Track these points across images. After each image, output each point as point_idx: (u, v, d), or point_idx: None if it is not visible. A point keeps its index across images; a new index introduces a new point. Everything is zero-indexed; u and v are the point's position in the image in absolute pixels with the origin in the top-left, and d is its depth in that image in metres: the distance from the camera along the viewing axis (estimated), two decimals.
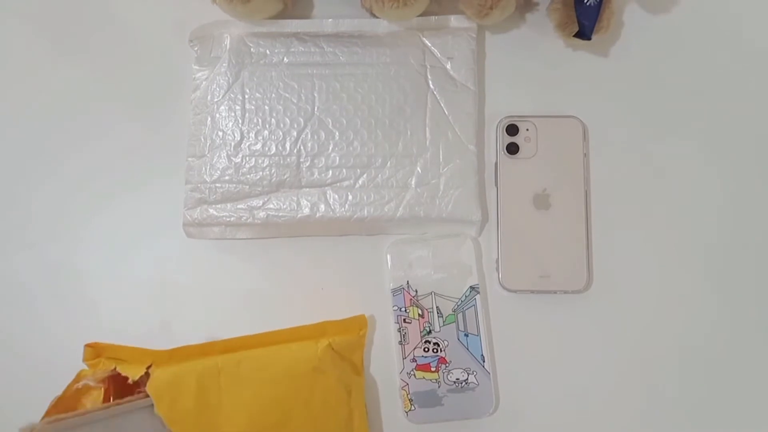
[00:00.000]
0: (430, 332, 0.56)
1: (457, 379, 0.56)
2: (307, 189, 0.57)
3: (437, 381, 0.56)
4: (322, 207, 0.56)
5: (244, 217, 0.56)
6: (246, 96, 0.57)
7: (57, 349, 0.57)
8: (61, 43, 0.62)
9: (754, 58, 0.60)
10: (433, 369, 0.56)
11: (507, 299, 0.57)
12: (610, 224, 0.58)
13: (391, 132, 0.57)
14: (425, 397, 0.56)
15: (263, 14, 0.58)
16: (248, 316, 0.56)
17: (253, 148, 0.57)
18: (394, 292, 0.57)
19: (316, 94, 0.57)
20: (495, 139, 0.59)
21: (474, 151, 0.57)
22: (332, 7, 0.61)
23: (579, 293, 0.57)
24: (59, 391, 0.49)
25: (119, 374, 0.50)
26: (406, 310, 0.56)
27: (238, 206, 0.57)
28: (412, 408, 0.56)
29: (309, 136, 0.57)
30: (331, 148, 0.57)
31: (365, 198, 0.56)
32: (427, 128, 0.57)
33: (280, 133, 0.57)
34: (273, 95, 0.57)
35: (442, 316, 0.56)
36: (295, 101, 0.57)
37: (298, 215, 0.56)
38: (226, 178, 0.57)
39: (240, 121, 0.57)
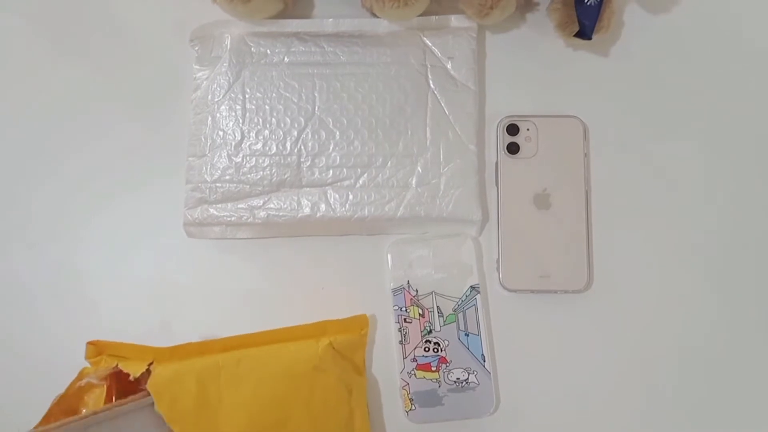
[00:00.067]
0: (430, 332, 0.56)
1: (457, 378, 0.56)
2: (308, 188, 0.57)
3: (438, 381, 0.56)
4: (323, 207, 0.56)
5: (245, 217, 0.56)
6: (247, 96, 0.57)
7: (57, 349, 0.57)
8: (61, 43, 0.62)
9: (754, 58, 0.60)
10: (433, 369, 0.56)
11: (507, 299, 0.57)
12: (610, 224, 0.58)
13: (392, 132, 0.57)
14: (426, 397, 0.56)
15: (264, 14, 0.58)
16: (249, 316, 0.56)
17: (254, 147, 0.57)
18: (395, 291, 0.57)
19: (316, 94, 0.57)
20: (495, 139, 0.59)
21: (474, 150, 0.57)
22: (333, 7, 0.61)
23: (579, 293, 0.57)
24: (60, 391, 0.49)
25: (121, 371, 0.50)
26: (406, 310, 0.56)
27: (239, 206, 0.57)
28: (413, 408, 0.56)
29: (310, 135, 0.57)
30: (331, 148, 0.57)
31: (366, 198, 0.56)
32: (427, 128, 0.57)
33: (281, 133, 0.57)
34: (274, 95, 0.57)
35: (442, 316, 0.56)
36: (295, 101, 0.57)
37: (299, 215, 0.56)
38: (227, 177, 0.57)
39: (241, 121, 0.57)
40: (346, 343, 0.54)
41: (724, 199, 0.59)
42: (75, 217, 0.60)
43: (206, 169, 0.57)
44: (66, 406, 0.49)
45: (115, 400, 0.50)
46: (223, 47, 0.58)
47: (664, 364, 0.57)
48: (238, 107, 0.57)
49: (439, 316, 0.56)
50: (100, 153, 0.60)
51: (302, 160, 0.57)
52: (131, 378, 0.50)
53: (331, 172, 0.57)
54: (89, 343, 0.52)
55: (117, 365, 0.51)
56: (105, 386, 0.50)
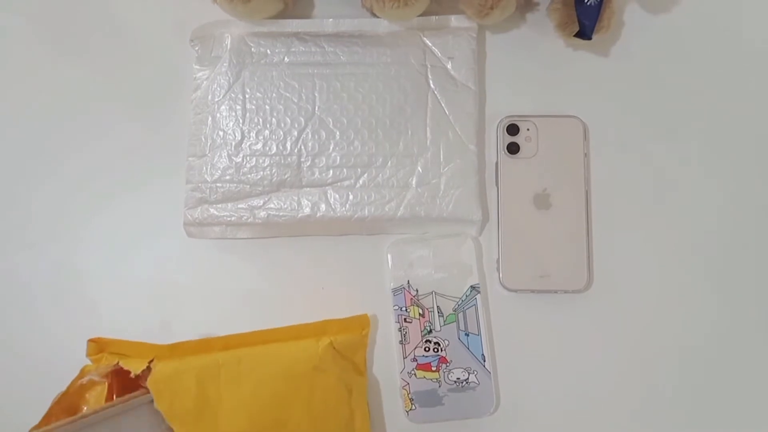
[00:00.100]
0: (430, 332, 0.56)
1: (457, 378, 0.56)
2: (308, 188, 0.57)
3: (438, 380, 0.56)
4: (323, 206, 0.56)
5: (245, 217, 0.56)
6: (247, 96, 0.57)
7: (57, 349, 0.57)
8: (61, 43, 0.62)
9: (754, 58, 0.60)
10: (433, 368, 0.56)
11: (507, 299, 0.57)
12: (610, 224, 0.58)
13: (392, 131, 0.57)
14: (426, 397, 0.56)
15: (264, 14, 0.58)
16: (249, 316, 0.56)
17: (254, 147, 0.57)
18: (395, 291, 0.57)
19: (316, 94, 0.57)
20: (495, 139, 0.59)
21: (474, 150, 0.57)
22: (333, 7, 0.61)
23: (579, 293, 0.57)
24: (60, 391, 0.49)
25: (122, 369, 0.50)
26: (406, 310, 0.56)
27: (239, 206, 0.57)
28: (413, 407, 0.56)
29: (310, 135, 0.57)
30: (331, 148, 0.57)
31: (366, 197, 0.56)
32: (427, 128, 0.57)
33: (281, 133, 0.57)
34: (274, 95, 0.57)
35: (442, 316, 0.56)
36: (295, 101, 0.57)
37: (299, 215, 0.56)
38: (227, 177, 0.57)
39: (241, 121, 0.57)
40: (346, 343, 0.54)
41: (724, 199, 0.59)
42: (75, 217, 0.60)
43: (206, 169, 0.57)
44: (67, 404, 0.49)
45: (116, 397, 0.50)
46: (224, 47, 0.58)
47: (664, 364, 0.57)
48: (238, 107, 0.57)
49: (439, 316, 0.56)
50: (100, 153, 0.60)
51: (302, 160, 0.57)
52: (132, 375, 0.50)
53: (331, 172, 0.57)
54: (90, 341, 0.52)
55: (118, 363, 0.51)
56: (106, 383, 0.50)
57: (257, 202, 0.57)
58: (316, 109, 0.57)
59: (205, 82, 0.58)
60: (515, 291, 0.57)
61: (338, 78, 0.57)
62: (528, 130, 0.58)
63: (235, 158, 0.57)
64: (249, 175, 0.57)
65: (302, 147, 0.57)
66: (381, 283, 0.57)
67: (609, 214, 0.58)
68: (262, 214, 0.56)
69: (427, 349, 0.56)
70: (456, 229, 0.58)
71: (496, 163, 0.58)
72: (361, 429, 0.54)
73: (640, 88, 0.60)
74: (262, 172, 0.57)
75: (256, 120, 0.57)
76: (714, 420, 0.57)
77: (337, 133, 0.57)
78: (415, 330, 0.56)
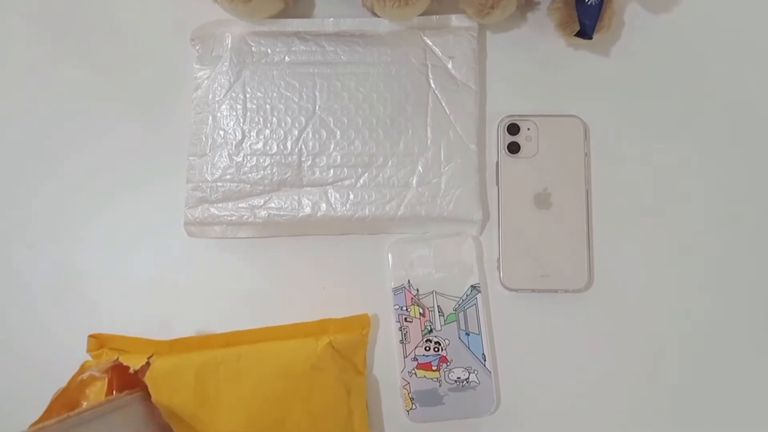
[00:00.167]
0: (431, 331, 0.56)
1: (458, 378, 0.56)
2: (309, 188, 0.57)
3: (438, 380, 0.56)
4: (324, 206, 0.56)
5: (246, 216, 0.56)
6: (247, 95, 0.57)
7: (57, 349, 0.57)
8: (61, 43, 0.62)
9: (755, 58, 0.60)
10: (434, 368, 0.56)
11: (508, 298, 0.57)
12: (610, 223, 0.58)
13: (393, 131, 0.57)
14: (426, 396, 0.56)
15: (264, 13, 0.58)
16: (249, 316, 0.56)
17: (255, 147, 0.57)
18: (395, 291, 0.57)
19: (317, 93, 0.57)
20: (496, 139, 0.59)
21: (475, 150, 0.57)
22: (333, 7, 0.61)
23: (580, 292, 0.57)
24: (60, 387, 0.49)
25: (122, 365, 0.50)
26: (407, 309, 0.56)
27: (240, 205, 0.57)
28: (413, 407, 0.56)
29: (310, 135, 0.57)
30: (332, 147, 0.57)
31: (366, 197, 0.56)
32: (428, 127, 0.57)
33: (282, 132, 0.57)
34: (274, 94, 0.57)
35: (443, 315, 0.56)
36: (296, 100, 0.57)
37: (300, 214, 0.56)
38: (228, 177, 0.57)
39: (241, 120, 0.57)
40: (346, 343, 0.54)
41: (724, 199, 0.59)
42: (75, 217, 0.60)
43: (207, 168, 0.57)
44: (67, 399, 0.49)
45: (116, 393, 0.50)
46: (224, 47, 0.58)
47: (664, 363, 0.57)
48: (238, 106, 0.57)
49: (439, 316, 0.56)
50: (100, 153, 0.60)
51: (303, 159, 0.57)
52: (131, 371, 0.50)
53: (331, 171, 0.57)
54: (91, 336, 0.52)
55: (117, 358, 0.51)
56: (106, 379, 0.50)
57: (258, 201, 0.57)
58: (317, 108, 0.57)
59: (205, 82, 0.58)
60: (516, 290, 0.57)
61: (339, 77, 0.57)
62: (528, 129, 0.58)
63: (235, 157, 0.57)
64: (250, 175, 0.57)
65: (303, 146, 0.57)
66: (381, 282, 0.57)
67: (609, 214, 0.58)
68: (263, 213, 0.56)
69: (427, 348, 0.56)
70: (456, 228, 0.58)
71: (497, 163, 0.58)
72: (359, 429, 0.54)
73: (640, 88, 0.60)
74: (262, 172, 0.57)
75: (256, 119, 0.57)
76: (714, 420, 0.57)
77: (338, 132, 0.57)
78: (415, 329, 0.56)
